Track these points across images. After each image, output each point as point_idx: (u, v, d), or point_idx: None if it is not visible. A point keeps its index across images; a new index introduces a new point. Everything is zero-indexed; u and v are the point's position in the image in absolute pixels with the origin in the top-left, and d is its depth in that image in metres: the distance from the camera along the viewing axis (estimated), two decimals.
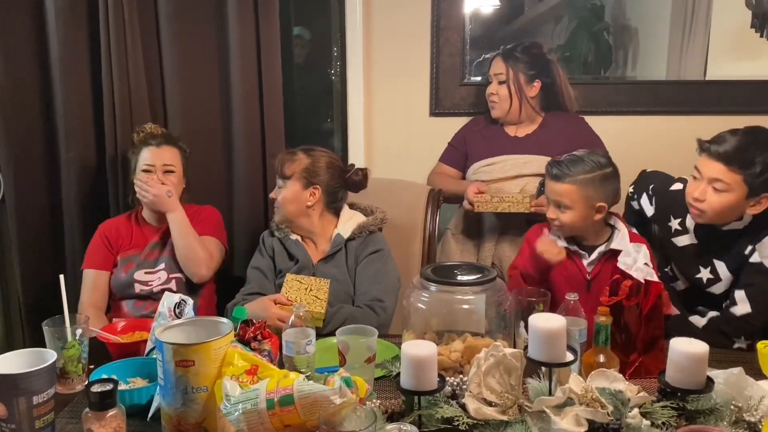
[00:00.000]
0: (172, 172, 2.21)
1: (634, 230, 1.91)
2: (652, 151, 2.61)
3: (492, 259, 2.42)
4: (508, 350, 1.21)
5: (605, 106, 2.68)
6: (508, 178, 2.39)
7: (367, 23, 2.67)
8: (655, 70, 2.71)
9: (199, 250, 2.15)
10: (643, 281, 1.51)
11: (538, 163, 2.34)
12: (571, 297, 1.47)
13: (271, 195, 2.08)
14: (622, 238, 1.82)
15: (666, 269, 2.03)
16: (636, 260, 1.73)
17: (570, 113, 2.47)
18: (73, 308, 1.87)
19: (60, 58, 2.39)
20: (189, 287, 2.19)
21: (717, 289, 1.88)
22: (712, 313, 1.83)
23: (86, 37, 2.42)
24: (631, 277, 1.52)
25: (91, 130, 2.48)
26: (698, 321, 1.83)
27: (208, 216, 2.29)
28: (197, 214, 2.26)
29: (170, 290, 2.09)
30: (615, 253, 1.76)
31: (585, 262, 1.87)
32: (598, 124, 2.49)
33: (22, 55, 2.42)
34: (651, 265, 1.56)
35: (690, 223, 1.90)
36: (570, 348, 1.23)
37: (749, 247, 1.80)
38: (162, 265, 2.19)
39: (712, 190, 1.75)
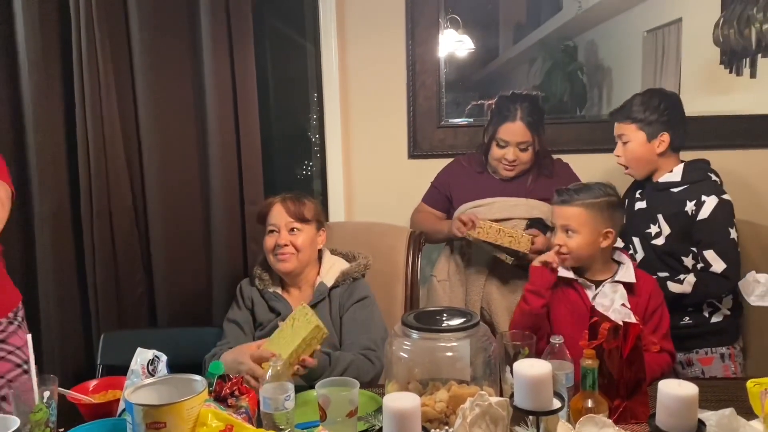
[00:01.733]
0: None
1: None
2: None
3: (480, 303, 2.37)
4: (494, 399, 1.18)
5: (582, 145, 2.69)
6: (497, 221, 2.35)
7: (343, 67, 2.68)
8: None
9: None
10: (621, 323, 1.49)
11: (527, 206, 2.32)
12: (556, 340, 1.44)
13: (281, 240, 1.96)
14: (626, 270, 1.81)
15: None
16: (613, 301, 1.72)
17: (552, 157, 2.47)
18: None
19: (33, 111, 2.36)
20: None
21: (659, 241, 2.13)
22: (690, 278, 2.04)
23: (60, 89, 2.40)
24: (609, 320, 1.50)
25: (65, 183, 2.44)
26: (676, 287, 2.03)
27: None
28: None
29: None
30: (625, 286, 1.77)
31: (590, 294, 1.85)
32: (575, 162, 2.50)
33: None
34: (629, 306, 1.54)
35: (645, 191, 2.22)
36: (557, 394, 1.19)
37: (689, 204, 2.07)
38: None
39: (621, 144, 2.18)
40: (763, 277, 1.58)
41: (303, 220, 1.98)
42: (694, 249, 2.09)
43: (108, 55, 2.36)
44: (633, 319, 1.49)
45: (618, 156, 2.19)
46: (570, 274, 1.87)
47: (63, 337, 2.47)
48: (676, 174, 2.14)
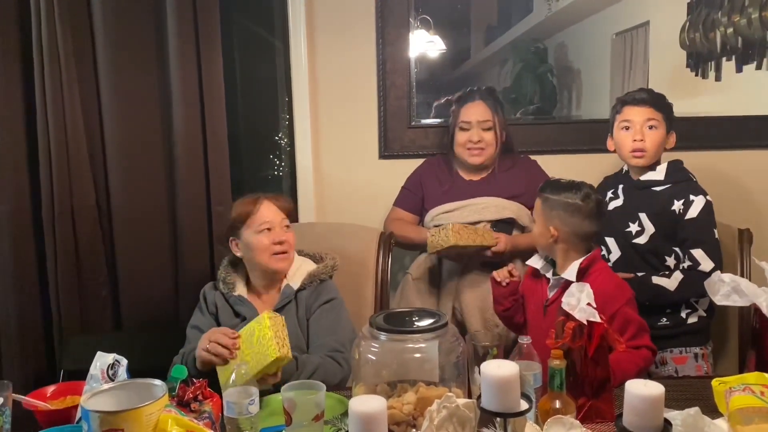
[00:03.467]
0: None
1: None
2: None
3: (453, 303, 2.37)
4: (461, 401, 1.16)
5: (552, 145, 2.71)
6: (468, 224, 2.35)
7: (312, 66, 2.65)
8: (599, 109, 2.76)
9: None
10: (585, 322, 1.49)
11: (496, 207, 2.35)
12: (524, 340, 1.43)
13: (281, 237, 1.90)
14: (570, 269, 1.81)
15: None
16: (579, 300, 1.72)
17: (519, 155, 2.49)
18: None
19: None
20: None
21: (642, 239, 2.13)
22: (677, 275, 2.06)
23: (20, 86, 2.33)
24: (574, 319, 1.50)
25: (26, 181, 2.37)
26: (662, 281, 2.06)
27: None
28: None
29: None
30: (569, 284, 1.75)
31: (549, 285, 1.88)
32: (545, 163, 2.51)
33: None
34: (594, 306, 1.54)
35: (620, 189, 2.21)
36: (524, 395, 1.18)
37: (675, 203, 2.09)
38: None
39: (647, 129, 2.12)
40: (728, 277, 1.59)
41: (291, 217, 1.97)
42: (676, 249, 2.11)
43: (70, 50, 2.29)
44: (598, 319, 1.49)
45: (640, 140, 2.12)
46: (538, 266, 1.92)
47: (23, 340, 2.40)
48: (659, 173, 2.15)
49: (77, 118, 2.33)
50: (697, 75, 2.69)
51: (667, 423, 1.20)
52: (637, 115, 2.14)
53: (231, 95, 2.57)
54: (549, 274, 1.89)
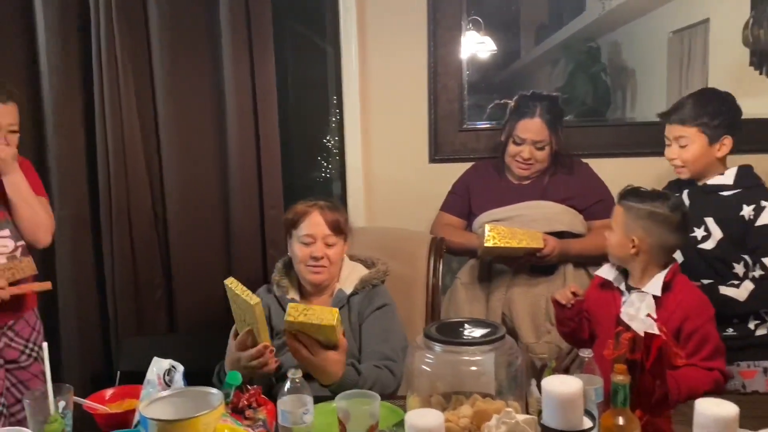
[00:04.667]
0: (16, 132, 1.94)
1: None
2: None
3: (502, 309, 2.32)
4: (521, 417, 1.13)
5: (606, 149, 2.63)
6: None
7: (363, 70, 2.64)
8: (654, 111, 2.67)
9: (44, 215, 1.97)
10: (642, 334, 1.43)
11: (547, 220, 2.29)
12: (585, 353, 1.39)
13: (318, 253, 1.87)
14: (654, 282, 1.73)
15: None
16: (639, 310, 1.67)
17: (571, 157, 2.43)
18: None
19: (53, 115, 2.37)
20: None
21: (708, 245, 2.03)
22: (748, 285, 1.96)
23: (80, 93, 2.40)
24: (631, 330, 1.45)
25: (85, 185, 2.44)
26: (730, 291, 1.96)
27: (29, 171, 2.04)
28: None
29: (15, 258, 1.91)
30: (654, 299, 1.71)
31: (623, 299, 1.80)
32: (598, 166, 2.45)
33: None
34: (654, 316, 1.48)
35: (686, 194, 2.11)
36: (587, 412, 1.14)
37: (745, 208, 1.99)
38: (6, 232, 1.95)
39: (678, 147, 2.07)
40: None
41: (339, 232, 1.92)
42: (745, 256, 2.02)
43: (127, 58, 2.35)
44: (656, 331, 1.43)
45: (672, 159, 2.10)
46: (610, 277, 1.83)
47: (82, 342, 2.47)
48: (728, 177, 2.06)
49: (134, 124, 2.39)
50: (761, 74, 2.59)
51: None
52: (668, 132, 2.10)
53: (282, 99, 2.59)
54: (622, 286, 1.81)
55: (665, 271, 1.73)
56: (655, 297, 1.72)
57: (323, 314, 1.58)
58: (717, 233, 2.02)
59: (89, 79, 2.38)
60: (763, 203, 1.99)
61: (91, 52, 2.35)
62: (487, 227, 2.17)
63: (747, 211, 2.00)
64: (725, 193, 2.05)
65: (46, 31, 2.32)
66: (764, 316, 2.02)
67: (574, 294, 1.85)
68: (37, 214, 1.96)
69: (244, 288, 1.66)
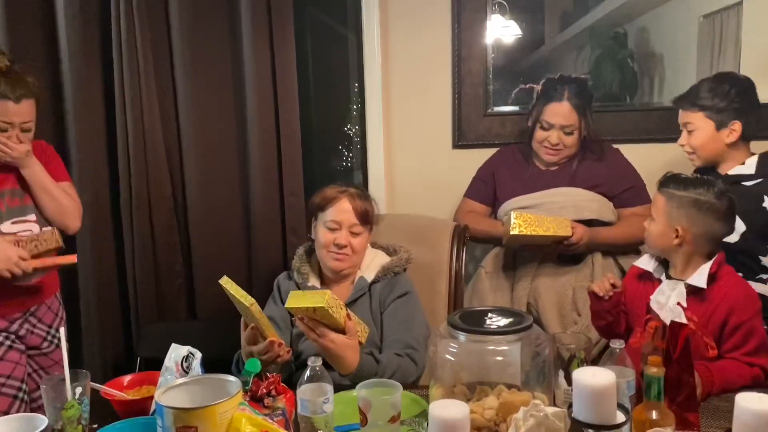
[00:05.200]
0: (30, 130, 1.92)
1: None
2: None
3: (527, 299, 2.27)
4: (550, 410, 1.08)
5: (633, 134, 2.56)
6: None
7: (385, 55, 2.59)
8: None
9: (67, 202, 1.98)
10: (668, 323, 1.37)
11: (575, 208, 2.22)
12: (616, 345, 1.33)
13: (342, 241, 1.84)
14: (700, 274, 1.65)
15: None
16: (669, 299, 1.61)
17: (601, 143, 2.36)
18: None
19: (73, 101, 2.35)
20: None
21: (732, 238, 1.90)
22: None
23: (100, 79, 2.39)
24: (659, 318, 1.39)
25: (106, 172, 2.43)
26: (758, 287, 1.85)
27: (52, 156, 2.05)
28: (38, 156, 1.98)
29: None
30: (697, 291, 1.63)
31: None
32: (627, 151, 2.38)
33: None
34: (684, 305, 1.41)
35: None
36: (620, 406, 1.09)
37: (766, 199, 1.93)
38: (32, 216, 1.96)
39: (686, 133, 2.05)
40: None
41: (366, 222, 1.88)
42: None
43: (148, 44, 2.33)
44: (683, 320, 1.36)
45: (682, 145, 2.06)
46: (649, 268, 1.75)
47: (102, 329, 2.46)
48: (749, 166, 1.99)
49: (154, 111, 2.37)
50: None
51: None
52: (679, 117, 2.07)
53: (303, 87, 2.55)
54: (663, 278, 1.73)
55: (710, 262, 1.65)
56: (699, 289, 1.64)
57: (315, 297, 1.56)
58: (740, 226, 1.92)
59: (109, 65, 2.36)
60: None
61: (111, 39, 2.33)
62: (513, 214, 2.11)
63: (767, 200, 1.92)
64: (747, 183, 1.98)
65: (66, 16, 2.30)
66: None
67: (612, 285, 1.76)
68: (59, 204, 1.97)
69: (239, 288, 1.64)
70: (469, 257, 2.49)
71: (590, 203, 2.25)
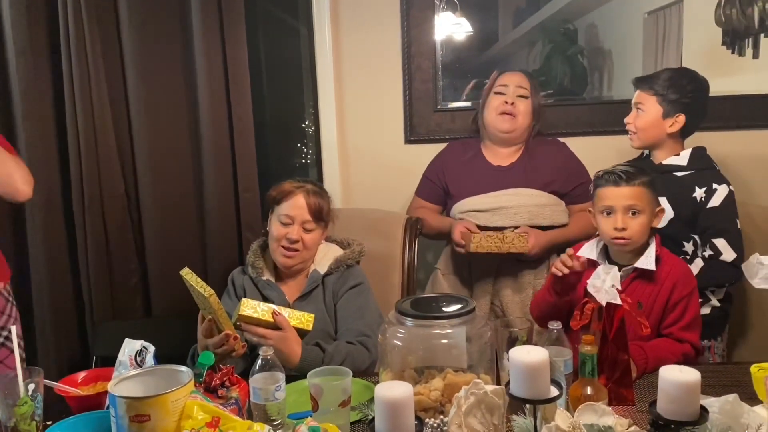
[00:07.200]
0: None
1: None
2: None
3: (491, 299, 2.30)
4: (489, 387, 1.14)
5: (582, 127, 2.65)
6: (498, 228, 2.25)
7: (337, 51, 2.63)
8: (630, 90, 2.69)
9: (13, 165, 1.83)
10: (603, 304, 1.45)
11: (529, 213, 2.24)
12: (554, 326, 1.40)
13: (293, 236, 1.86)
14: (647, 257, 1.71)
15: None
16: (605, 282, 1.67)
17: (549, 138, 2.42)
18: None
19: (21, 99, 2.32)
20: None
21: (660, 224, 1.89)
22: (698, 262, 2.03)
23: (49, 77, 2.35)
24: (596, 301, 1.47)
25: (57, 171, 2.40)
26: None
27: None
28: None
29: None
30: (644, 273, 1.70)
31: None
32: (575, 144, 2.45)
33: None
34: (618, 287, 1.49)
35: None
36: (554, 382, 1.16)
37: (697, 190, 2.05)
38: None
39: (635, 112, 2.14)
40: (767, 259, 1.53)
41: (319, 219, 1.91)
42: (695, 236, 2.06)
43: (97, 40, 2.31)
44: (617, 301, 1.45)
45: (629, 123, 2.16)
46: (592, 256, 1.78)
47: (57, 328, 2.44)
48: (682, 158, 2.11)
49: (104, 107, 2.35)
50: (733, 53, 2.61)
51: (704, 410, 1.16)
52: (634, 97, 2.17)
53: (256, 83, 2.56)
54: (600, 262, 1.76)
55: (653, 245, 1.73)
56: (646, 271, 1.70)
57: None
58: (669, 212, 2.05)
59: (58, 63, 2.33)
60: (715, 186, 2.04)
61: (59, 35, 2.30)
62: (473, 236, 2.15)
63: (699, 192, 2.05)
64: (679, 174, 2.10)
65: (12, 12, 2.27)
66: (708, 295, 2.06)
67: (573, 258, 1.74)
68: (5, 164, 1.83)
69: (199, 279, 1.66)
70: (425, 248, 2.55)
71: (543, 209, 2.26)
